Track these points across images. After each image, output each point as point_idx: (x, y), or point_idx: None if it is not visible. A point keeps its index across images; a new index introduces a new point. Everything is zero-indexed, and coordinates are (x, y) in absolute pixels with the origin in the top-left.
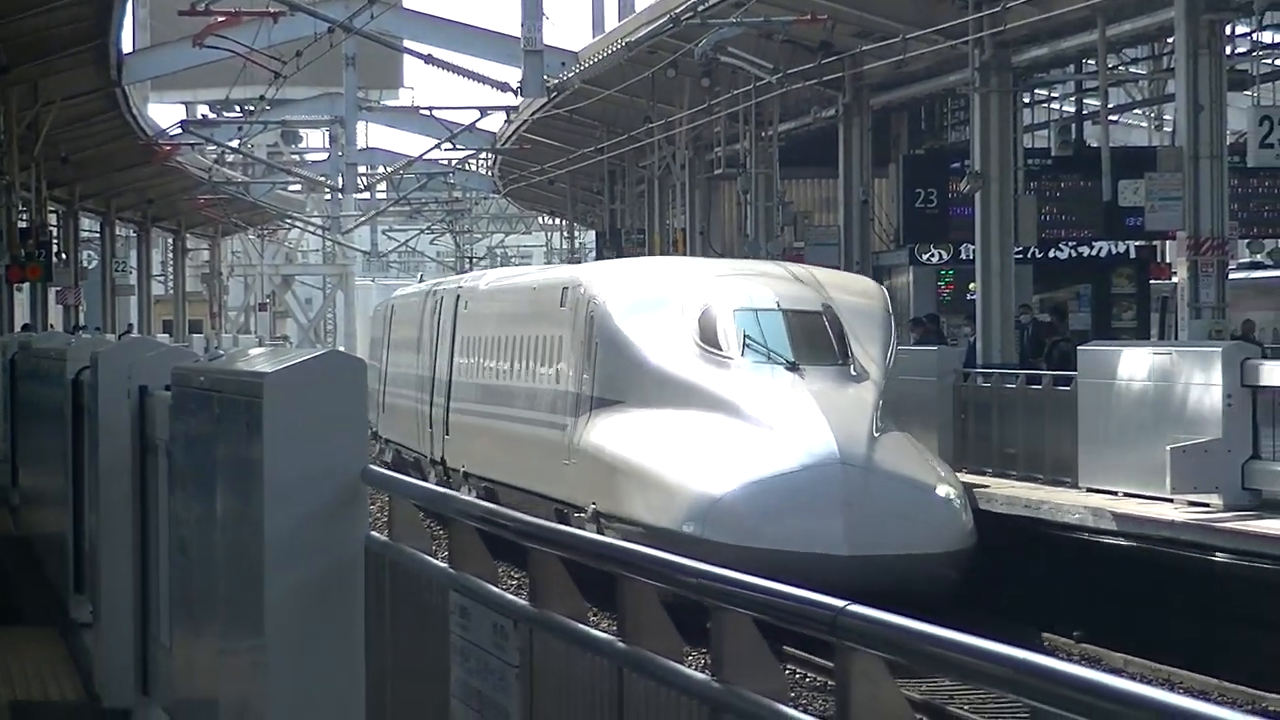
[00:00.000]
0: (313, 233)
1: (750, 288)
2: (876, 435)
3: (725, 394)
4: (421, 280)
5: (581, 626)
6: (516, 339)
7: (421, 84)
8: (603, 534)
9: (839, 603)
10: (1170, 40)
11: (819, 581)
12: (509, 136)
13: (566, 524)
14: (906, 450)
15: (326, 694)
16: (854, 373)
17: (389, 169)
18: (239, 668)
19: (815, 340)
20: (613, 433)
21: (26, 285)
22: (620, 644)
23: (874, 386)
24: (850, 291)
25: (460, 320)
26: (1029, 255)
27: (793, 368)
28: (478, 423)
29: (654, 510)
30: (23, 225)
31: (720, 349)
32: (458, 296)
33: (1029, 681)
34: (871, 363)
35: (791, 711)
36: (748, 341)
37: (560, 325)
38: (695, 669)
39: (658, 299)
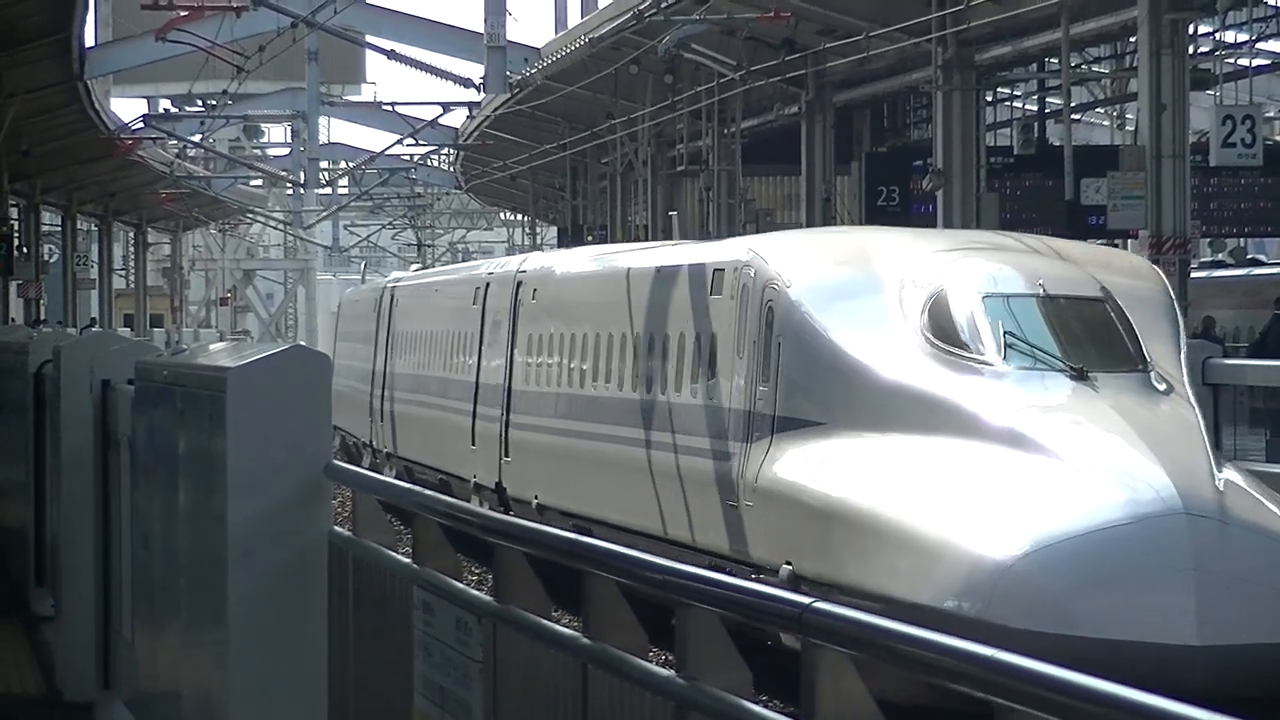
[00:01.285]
0: (274, 227)
1: (994, 266)
2: (1218, 472)
3: (988, 414)
4: (421, 268)
5: (546, 622)
6: (638, 336)
7: (384, 79)
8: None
9: (804, 599)
10: (1133, 39)
11: (1158, 679)
12: (471, 132)
13: None
14: (1255, 493)
15: (289, 688)
16: (1158, 383)
17: (351, 164)
18: (201, 661)
19: (1100, 337)
20: (818, 466)
21: None
22: (585, 640)
23: (1186, 401)
24: (1120, 271)
25: (524, 314)
26: None
27: (1079, 376)
28: (556, 443)
29: (901, 579)
30: None
31: (967, 349)
32: (518, 284)
33: (998, 680)
34: (1171, 368)
35: (756, 708)
36: (1009, 339)
37: (715, 319)
38: (660, 665)
39: (866, 282)
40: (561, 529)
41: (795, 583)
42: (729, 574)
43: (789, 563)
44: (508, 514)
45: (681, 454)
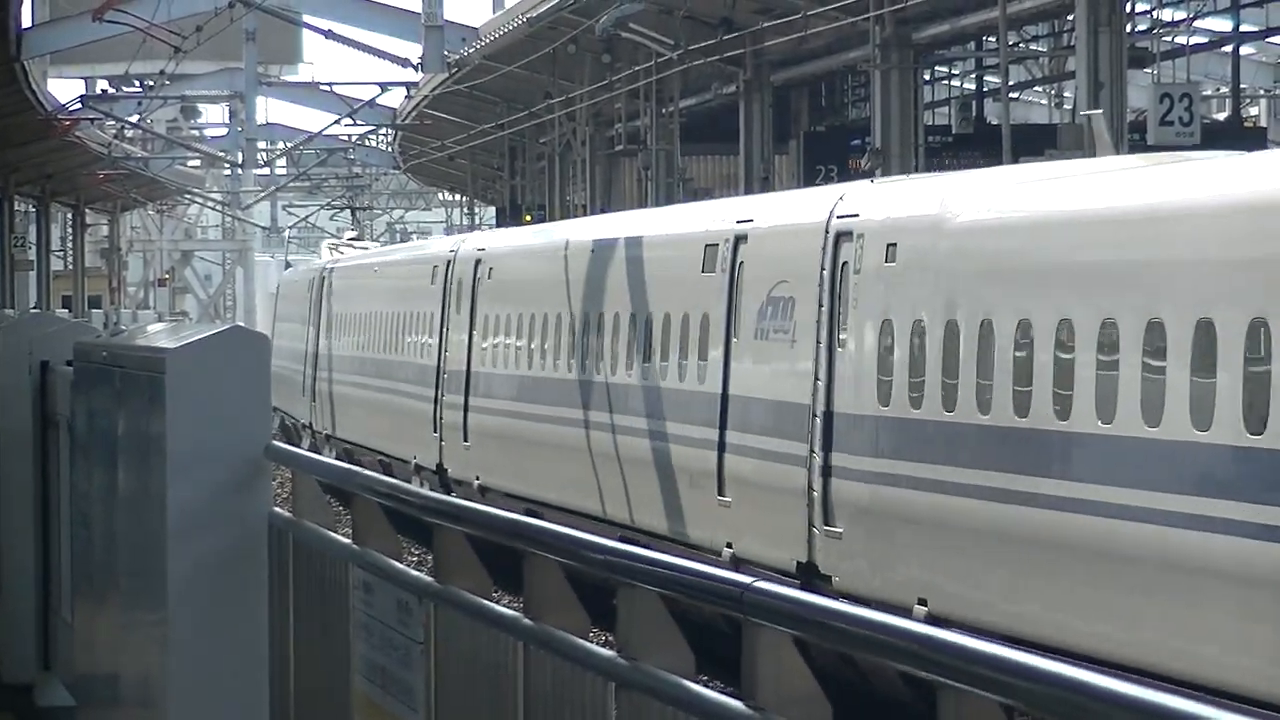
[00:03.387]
0: (212, 208)
1: None
2: None
3: None
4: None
5: (486, 603)
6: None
7: (321, 59)
8: None
9: (745, 579)
10: (1071, 17)
11: None
12: (409, 112)
13: None
14: None
15: (229, 669)
16: None
17: (289, 144)
18: (141, 643)
19: None
20: None
21: None
22: (526, 620)
23: None
24: None
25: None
26: None
27: None
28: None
29: None
30: None
31: None
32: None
33: (934, 657)
34: None
35: (697, 687)
36: None
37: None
38: (601, 645)
39: None
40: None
41: None
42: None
43: None
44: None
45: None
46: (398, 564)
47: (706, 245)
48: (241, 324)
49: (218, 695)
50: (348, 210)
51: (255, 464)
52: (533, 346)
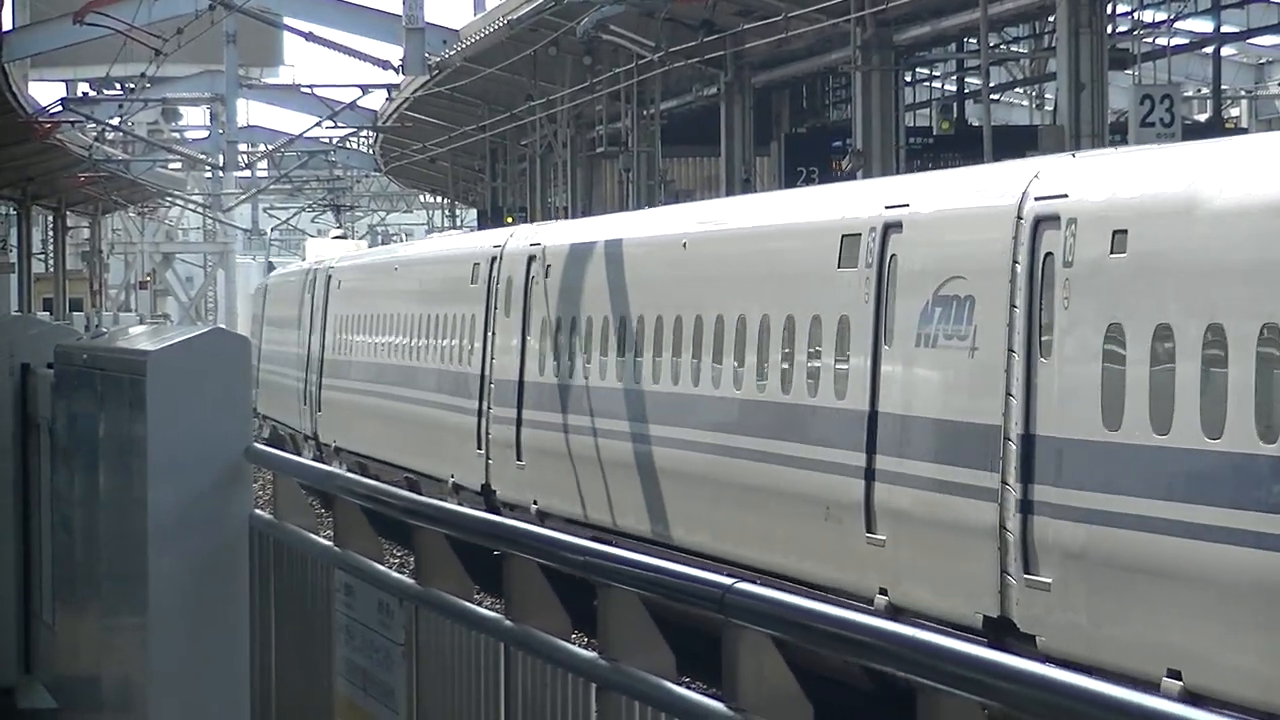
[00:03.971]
0: (193, 210)
1: None
2: None
3: None
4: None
5: (467, 604)
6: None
7: (302, 62)
8: None
9: (727, 580)
10: (1051, 19)
11: None
12: (390, 114)
13: None
14: None
15: (210, 672)
16: None
17: (270, 147)
18: (122, 646)
19: None
20: None
21: None
22: (507, 622)
23: None
24: None
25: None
26: None
27: None
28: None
29: None
30: None
31: None
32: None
33: (914, 658)
34: None
35: (678, 688)
36: None
37: None
38: (582, 646)
39: None
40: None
41: None
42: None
43: None
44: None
45: None
46: (379, 566)
47: (844, 236)
48: (223, 326)
49: (199, 697)
50: (329, 212)
51: (236, 466)
52: (604, 356)
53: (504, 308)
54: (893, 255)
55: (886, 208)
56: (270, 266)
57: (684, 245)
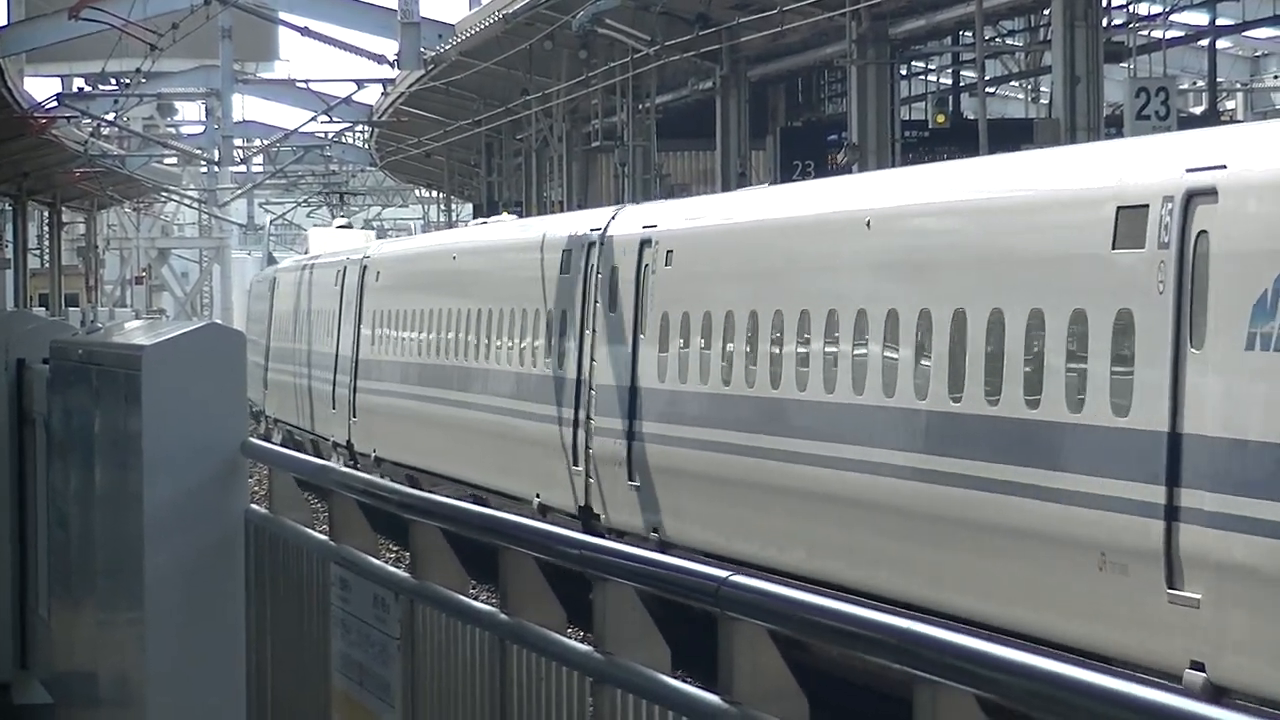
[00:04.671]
0: (189, 206)
1: None
2: None
3: None
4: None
5: (463, 598)
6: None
7: (298, 56)
8: None
9: (721, 573)
10: (1047, 12)
11: None
12: (386, 109)
13: None
14: None
15: (206, 667)
16: None
17: (265, 142)
18: (119, 641)
19: None
20: None
21: None
22: (502, 616)
23: None
24: None
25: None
26: None
27: None
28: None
29: None
30: None
31: None
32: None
33: (911, 650)
34: None
35: (674, 682)
36: None
37: None
38: (577, 640)
39: None
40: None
41: None
42: None
43: None
44: None
45: None
46: (374, 560)
47: (1122, 209)
48: (218, 321)
49: (195, 692)
50: (325, 207)
51: (232, 461)
52: (745, 358)
53: (606, 302)
54: (1202, 233)
55: (1188, 171)
56: (271, 259)
57: (868, 224)
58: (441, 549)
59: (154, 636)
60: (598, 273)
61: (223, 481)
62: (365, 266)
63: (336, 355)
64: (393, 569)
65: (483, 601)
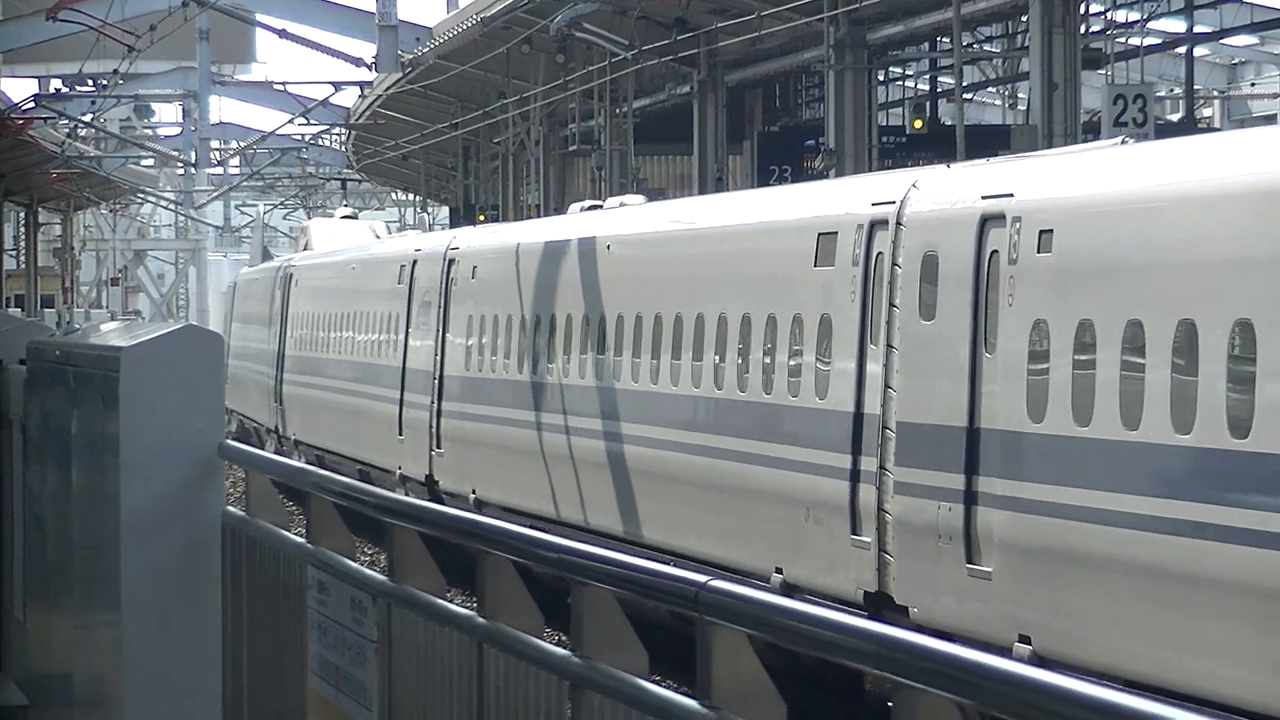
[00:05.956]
0: (165, 207)
1: None
2: None
3: None
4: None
5: (441, 602)
6: None
7: (275, 58)
8: None
9: (701, 578)
10: (1025, 18)
11: None
12: (363, 112)
13: None
14: None
15: (183, 669)
16: None
17: (242, 144)
18: (95, 643)
19: None
20: None
21: None
22: (480, 619)
23: None
24: None
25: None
26: None
27: None
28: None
29: None
30: None
31: None
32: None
33: (891, 656)
34: None
35: (652, 686)
36: None
37: None
38: (555, 644)
39: None
40: None
41: None
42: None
43: None
44: None
45: None
46: (352, 563)
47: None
48: (195, 323)
49: (171, 694)
50: (300, 209)
51: (209, 463)
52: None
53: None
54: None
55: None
56: (267, 254)
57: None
58: (419, 552)
59: (130, 638)
60: (884, 268)
61: (200, 483)
62: (452, 260)
63: (404, 369)
64: (370, 572)
65: (460, 605)
